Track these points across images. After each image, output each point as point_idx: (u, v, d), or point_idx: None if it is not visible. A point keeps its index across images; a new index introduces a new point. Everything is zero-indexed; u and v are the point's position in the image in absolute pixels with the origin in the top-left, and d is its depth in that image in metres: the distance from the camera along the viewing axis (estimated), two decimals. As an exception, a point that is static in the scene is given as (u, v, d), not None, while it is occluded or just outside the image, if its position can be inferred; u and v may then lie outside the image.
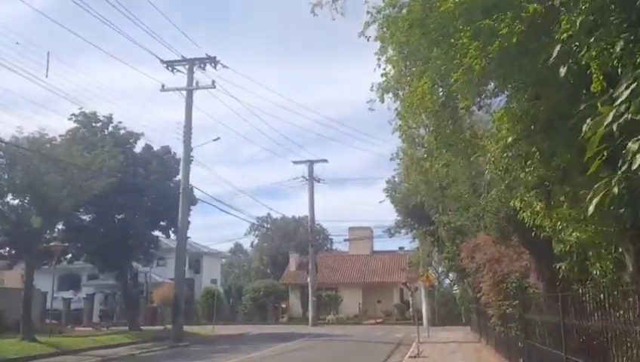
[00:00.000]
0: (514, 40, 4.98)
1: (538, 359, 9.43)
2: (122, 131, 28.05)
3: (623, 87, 3.62)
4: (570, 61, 4.68)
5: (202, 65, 25.93)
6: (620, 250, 6.32)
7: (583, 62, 4.48)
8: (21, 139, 20.56)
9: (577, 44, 4.55)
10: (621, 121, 3.48)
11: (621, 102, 3.54)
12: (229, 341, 25.23)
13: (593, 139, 3.61)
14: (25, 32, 48.52)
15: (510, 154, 6.47)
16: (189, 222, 27.00)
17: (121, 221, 27.75)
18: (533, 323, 10.01)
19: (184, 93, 26.10)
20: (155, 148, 29.26)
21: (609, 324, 5.78)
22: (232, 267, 64.91)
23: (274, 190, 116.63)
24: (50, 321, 25.04)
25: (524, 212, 7.60)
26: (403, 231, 32.09)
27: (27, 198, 21.38)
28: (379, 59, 7.30)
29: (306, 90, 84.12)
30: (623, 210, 4.52)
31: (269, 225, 57.82)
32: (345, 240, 49.39)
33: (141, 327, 28.93)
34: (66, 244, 25.02)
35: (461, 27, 5.53)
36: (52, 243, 23.24)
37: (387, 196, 28.07)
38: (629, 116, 3.45)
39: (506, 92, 6.25)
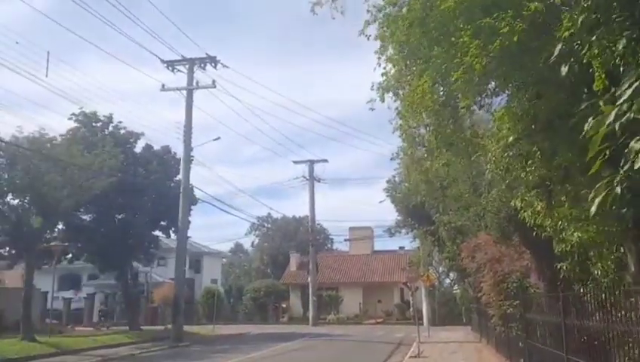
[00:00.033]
0: (515, 39, 4.96)
1: (539, 359, 9.41)
2: (122, 131, 28.02)
3: (626, 85, 3.60)
4: (572, 60, 4.65)
5: (202, 65, 25.90)
6: (622, 249, 6.30)
7: (585, 61, 4.45)
8: (21, 138, 20.56)
9: (579, 42, 4.53)
10: (623, 120, 3.46)
11: (623, 101, 3.51)
12: (230, 341, 25.22)
13: (595, 138, 3.58)
14: (25, 32, 48.65)
15: (511, 153, 6.45)
16: (189, 222, 26.99)
17: (121, 221, 27.75)
18: (534, 323, 9.98)
19: (184, 92, 26.09)
20: (156, 148, 29.22)
21: (610, 324, 5.76)
22: (232, 267, 64.92)
23: (274, 190, 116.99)
24: (51, 321, 24.99)
25: (525, 211, 7.59)
26: (403, 230, 32.14)
27: (27, 198, 21.37)
28: (379, 58, 7.29)
29: (306, 89, 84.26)
30: (625, 209, 4.48)
31: (269, 225, 57.86)
32: (345, 240, 49.42)
33: (141, 327, 28.92)
34: (66, 244, 25.02)
35: (461, 26, 5.51)
36: (52, 243, 23.24)
37: (387, 196, 28.08)
38: (632, 115, 3.42)
39: (506, 91, 6.23)
